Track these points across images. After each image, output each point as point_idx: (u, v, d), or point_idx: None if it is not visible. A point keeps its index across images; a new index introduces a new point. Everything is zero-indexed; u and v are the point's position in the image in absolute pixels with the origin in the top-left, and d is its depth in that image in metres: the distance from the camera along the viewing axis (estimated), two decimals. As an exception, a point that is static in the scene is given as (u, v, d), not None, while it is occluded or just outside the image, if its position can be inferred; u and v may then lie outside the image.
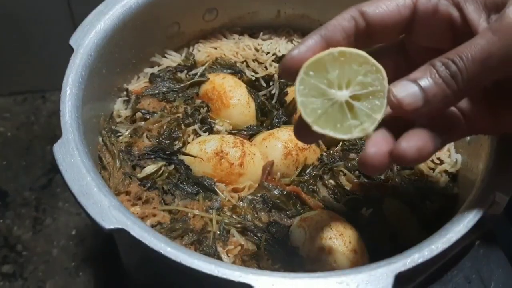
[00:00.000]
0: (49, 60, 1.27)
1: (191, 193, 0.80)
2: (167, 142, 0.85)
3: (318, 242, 0.73)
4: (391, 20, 0.59)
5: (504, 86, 0.58)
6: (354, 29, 0.59)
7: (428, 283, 0.62)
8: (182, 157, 0.83)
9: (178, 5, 0.94)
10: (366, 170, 0.56)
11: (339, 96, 0.56)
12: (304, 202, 0.81)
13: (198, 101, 0.92)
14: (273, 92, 0.96)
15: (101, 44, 0.82)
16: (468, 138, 0.83)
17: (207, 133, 0.88)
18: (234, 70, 0.97)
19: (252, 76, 0.97)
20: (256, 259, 0.73)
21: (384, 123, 0.56)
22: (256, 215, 0.78)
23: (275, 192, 0.80)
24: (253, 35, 1.04)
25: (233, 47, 1.00)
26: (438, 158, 0.86)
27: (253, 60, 0.99)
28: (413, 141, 0.54)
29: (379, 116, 0.55)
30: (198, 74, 0.95)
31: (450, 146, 0.88)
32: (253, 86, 0.96)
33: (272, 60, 0.99)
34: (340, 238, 0.73)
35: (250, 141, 0.88)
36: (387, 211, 0.80)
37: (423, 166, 0.85)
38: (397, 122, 0.57)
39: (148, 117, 0.87)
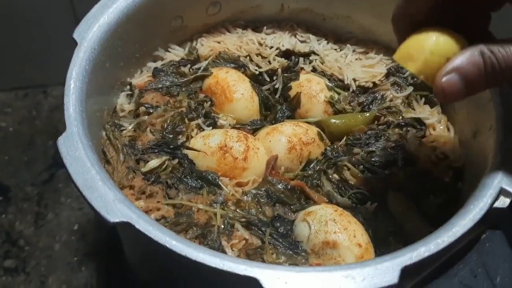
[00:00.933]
0: (50, 55, 1.27)
1: (195, 187, 0.79)
2: (171, 136, 0.84)
3: (323, 236, 0.73)
4: None
5: None
6: None
7: (434, 277, 0.62)
8: (185, 151, 0.83)
9: (181, -2, 0.94)
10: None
11: None
12: (308, 196, 0.81)
13: (201, 96, 0.91)
14: (276, 86, 0.96)
15: (104, 37, 0.81)
16: (473, 132, 0.83)
17: (211, 127, 0.88)
18: (237, 64, 0.96)
19: (256, 70, 0.96)
20: (260, 253, 0.73)
21: None
22: (260, 209, 0.78)
23: (279, 186, 0.80)
24: (257, 29, 1.04)
25: (236, 41, 1.00)
26: (443, 153, 0.86)
27: (257, 55, 0.98)
28: None
29: None
30: (202, 68, 0.95)
31: (455, 140, 0.88)
32: (256, 80, 0.96)
33: (276, 55, 0.98)
34: (344, 232, 0.73)
35: (254, 136, 0.88)
36: (392, 206, 0.80)
37: (427, 161, 0.85)
38: None
39: (151, 111, 0.87)
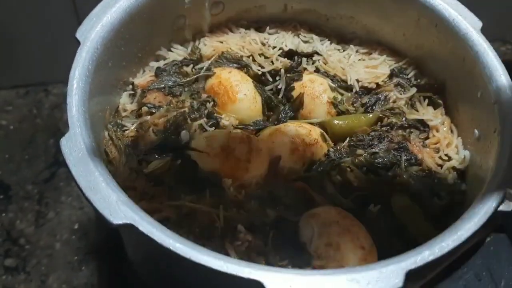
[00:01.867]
0: (51, 53, 1.27)
1: (197, 189, 0.79)
2: (173, 136, 0.84)
3: (326, 239, 0.73)
4: None
5: None
6: None
7: (438, 281, 0.62)
8: (188, 152, 0.83)
9: (184, -2, 0.94)
10: None
11: None
12: (311, 198, 0.80)
13: (204, 96, 0.91)
14: (279, 87, 0.95)
15: (107, 37, 0.81)
16: (477, 134, 0.82)
17: (213, 128, 0.88)
18: (240, 64, 0.96)
19: (259, 70, 0.96)
20: (263, 255, 0.73)
21: None
22: (263, 211, 0.78)
23: (282, 187, 0.80)
24: (260, 29, 1.03)
25: (239, 41, 0.99)
26: (446, 155, 0.86)
27: (260, 55, 0.98)
28: None
29: None
30: (204, 68, 0.94)
31: (458, 142, 0.87)
32: (259, 80, 0.95)
33: (279, 55, 0.98)
34: (348, 234, 0.73)
35: (257, 136, 0.88)
36: (395, 208, 0.79)
37: (431, 163, 0.84)
38: None
39: (154, 111, 0.87)
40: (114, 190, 0.64)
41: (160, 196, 0.77)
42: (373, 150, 0.85)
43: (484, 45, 0.84)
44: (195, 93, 0.91)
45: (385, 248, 0.75)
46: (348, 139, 0.88)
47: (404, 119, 0.90)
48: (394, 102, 0.93)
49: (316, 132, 0.88)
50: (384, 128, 0.89)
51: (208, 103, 0.90)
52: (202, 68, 0.94)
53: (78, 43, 0.79)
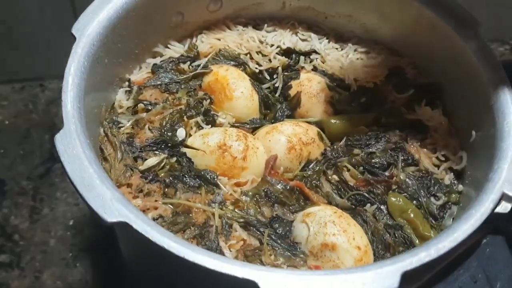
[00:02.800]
0: (48, 48, 1.26)
1: (193, 187, 0.79)
2: (169, 134, 0.84)
3: (322, 238, 0.73)
4: None
5: None
6: None
7: (434, 282, 0.62)
8: (184, 149, 0.82)
9: (182, -6, 0.93)
10: None
11: None
12: (307, 197, 0.80)
13: (201, 93, 0.90)
14: (276, 85, 0.95)
15: (103, 33, 0.80)
16: (474, 135, 0.82)
17: (210, 125, 0.87)
18: (237, 62, 0.95)
19: (256, 68, 0.95)
20: (258, 254, 0.73)
21: None
22: (259, 209, 0.78)
23: (278, 186, 0.80)
24: (257, 26, 1.03)
25: (237, 39, 0.99)
26: (444, 155, 0.86)
27: (257, 52, 0.97)
28: None
29: None
30: (201, 65, 0.94)
31: (455, 143, 0.87)
32: (256, 78, 0.95)
33: (276, 53, 0.97)
34: (343, 234, 0.73)
35: (253, 135, 0.87)
36: (392, 208, 0.79)
37: (428, 163, 0.84)
38: None
39: (150, 108, 0.86)
40: (108, 187, 0.63)
41: (155, 194, 0.77)
42: (370, 150, 0.85)
43: (483, 47, 0.83)
44: (191, 91, 0.91)
45: (381, 249, 0.75)
46: (345, 138, 0.87)
47: (401, 119, 0.89)
48: (392, 102, 0.92)
49: (313, 131, 0.87)
50: (381, 128, 0.88)
51: (204, 100, 0.89)
52: (199, 66, 0.94)
53: (74, 39, 0.78)
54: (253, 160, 0.81)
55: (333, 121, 0.89)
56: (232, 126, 0.88)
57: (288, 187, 0.80)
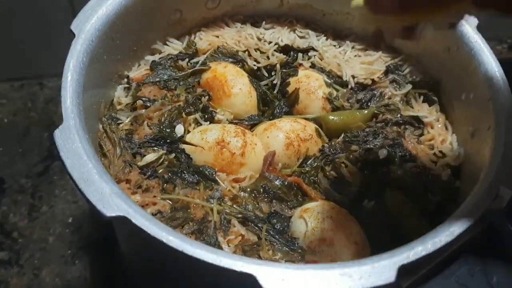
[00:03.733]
0: (47, 46, 1.26)
1: (191, 182, 0.79)
2: (168, 130, 0.84)
3: (319, 233, 0.73)
4: None
5: None
6: None
7: (431, 276, 0.62)
8: (183, 146, 0.82)
9: (180, -9, 0.94)
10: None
11: None
12: (305, 193, 0.81)
13: (199, 90, 0.91)
14: (275, 82, 0.95)
15: (102, 30, 0.81)
16: (471, 131, 0.82)
17: (208, 122, 0.88)
18: (235, 59, 0.96)
19: (254, 65, 0.96)
20: (256, 250, 0.73)
21: None
22: (257, 205, 0.78)
23: (276, 182, 0.80)
24: (256, 24, 1.03)
25: (235, 36, 0.99)
26: (440, 151, 0.86)
27: (255, 50, 0.98)
28: None
29: None
30: (200, 62, 0.94)
31: (453, 139, 0.87)
32: (254, 75, 0.95)
33: (275, 50, 0.98)
34: (341, 229, 0.73)
35: (252, 131, 0.88)
36: (389, 203, 0.79)
37: (425, 159, 0.84)
38: None
39: (149, 105, 0.86)
40: (107, 182, 0.63)
41: (154, 189, 0.77)
42: (368, 146, 0.85)
43: (480, 43, 0.84)
44: (190, 87, 0.91)
45: (378, 244, 0.75)
46: (343, 134, 0.88)
47: (399, 115, 0.90)
48: (389, 98, 0.93)
49: (311, 127, 0.88)
50: (379, 124, 0.89)
51: (203, 97, 0.89)
52: (197, 62, 0.94)
53: (73, 35, 0.78)
54: (251, 156, 0.82)
55: (331, 117, 0.90)
56: (231, 122, 0.88)
57: (286, 183, 0.80)
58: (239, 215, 0.76)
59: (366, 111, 0.90)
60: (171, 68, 0.93)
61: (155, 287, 0.87)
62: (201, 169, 0.80)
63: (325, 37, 1.02)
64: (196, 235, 0.73)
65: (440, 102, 0.93)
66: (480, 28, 0.86)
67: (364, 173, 0.82)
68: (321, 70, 0.96)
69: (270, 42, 0.99)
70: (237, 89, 0.90)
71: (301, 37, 1.02)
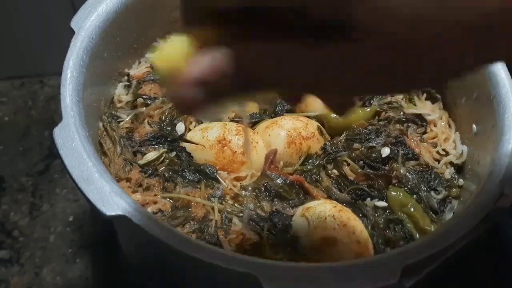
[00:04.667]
0: (47, 44, 1.26)
1: (192, 181, 0.78)
2: (169, 128, 0.83)
3: (321, 233, 0.72)
4: None
5: None
6: None
7: (435, 277, 0.61)
8: (183, 144, 0.82)
9: (181, -12, 0.92)
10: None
11: None
12: (307, 191, 0.80)
13: (200, 88, 0.90)
14: (276, 79, 0.94)
15: (103, 27, 0.80)
16: (475, 129, 0.82)
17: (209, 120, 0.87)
18: (237, 56, 0.95)
19: (256, 63, 0.95)
20: (258, 249, 0.72)
21: None
22: (258, 204, 0.77)
23: (278, 181, 0.79)
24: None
25: (236, 33, 0.98)
26: (444, 150, 0.85)
27: (257, 47, 0.97)
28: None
29: None
30: (201, 60, 0.93)
31: (456, 137, 0.87)
32: (256, 73, 0.94)
33: (276, 47, 0.97)
34: (343, 228, 0.73)
35: (253, 129, 0.87)
36: (392, 202, 0.79)
37: (428, 157, 0.84)
38: None
39: (149, 102, 0.86)
40: (107, 181, 0.63)
41: (155, 188, 0.76)
42: (370, 144, 0.85)
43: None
44: (191, 85, 0.90)
45: (381, 243, 0.75)
46: (345, 133, 0.87)
47: (401, 113, 0.89)
48: (392, 96, 0.92)
49: (313, 125, 0.87)
50: (381, 122, 0.88)
51: (204, 95, 0.89)
52: (198, 60, 0.93)
53: (72, 32, 0.78)
54: (253, 155, 0.81)
55: (333, 115, 0.89)
56: (232, 120, 0.88)
57: (288, 182, 0.79)
58: (241, 214, 0.75)
59: (368, 109, 0.90)
60: (172, 65, 0.92)
61: (156, 286, 0.87)
62: (202, 167, 0.79)
63: (327, 34, 1.01)
64: (197, 234, 0.73)
65: (443, 100, 0.92)
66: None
67: (366, 172, 0.82)
68: (324, 68, 0.95)
69: (271, 40, 0.98)
70: (238, 86, 0.89)
71: (303, 34, 1.01)
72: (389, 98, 0.91)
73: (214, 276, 0.63)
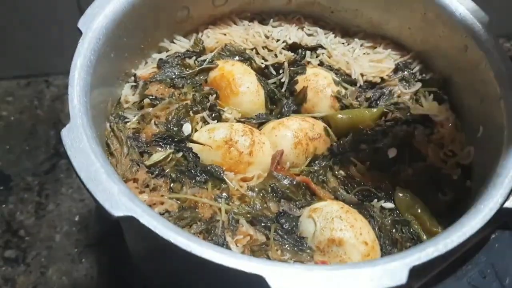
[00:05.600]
0: (53, 44, 1.26)
1: (199, 182, 0.78)
2: (175, 129, 0.83)
3: (328, 233, 0.72)
4: None
5: None
6: None
7: (443, 278, 0.61)
8: (190, 144, 0.82)
9: (187, -11, 0.93)
10: None
11: None
12: (314, 192, 0.80)
13: (206, 88, 0.90)
14: (282, 80, 0.94)
15: (110, 27, 0.80)
16: (482, 130, 0.81)
17: (216, 120, 0.87)
18: (243, 57, 0.95)
19: (262, 63, 0.95)
20: (265, 250, 0.72)
21: None
22: (265, 205, 0.77)
23: (285, 182, 0.79)
24: (263, 21, 1.02)
25: (242, 34, 0.98)
26: (451, 150, 0.85)
27: (263, 47, 0.97)
28: None
29: None
30: (207, 60, 0.93)
31: (463, 138, 0.87)
32: (262, 73, 0.95)
33: (282, 48, 0.97)
34: (350, 229, 0.72)
35: (259, 130, 0.87)
36: (399, 203, 0.79)
37: (435, 158, 0.83)
38: None
39: (156, 103, 0.86)
40: (115, 182, 0.63)
41: (162, 189, 0.76)
42: (377, 145, 0.84)
43: (491, 40, 0.83)
44: (197, 86, 0.90)
45: (388, 244, 0.75)
46: (351, 133, 0.87)
47: (408, 114, 0.89)
48: (398, 96, 0.92)
49: (319, 126, 0.87)
50: (388, 123, 0.88)
51: (210, 95, 0.89)
52: (204, 61, 0.94)
53: (80, 33, 0.78)
54: (259, 155, 0.81)
55: (339, 116, 0.89)
56: (238, 121, 0.88)
57: (295, 182, 0.79)
58: (248, 215, 0.75)
59: (375, 110, 0.89)
60: (178, 66, 0.92)
61: (161, 285, 0.87)
62: (208, 168, 0.79)
63: (334, 35, 1.01)
64: (204, 235, 0.72)
65: (450, 101, 0.91)
66: (489, 25, 0.85)
67: (373, 173, 0.82)
68: (330, 68, 0.96)
69: (278, 40, 0.98)
70: (245, 87, 0.89)
71: (309, 35, 1.01)
72: (395, 99, 0.91)
73: (221, 277, 0.63)
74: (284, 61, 0.95)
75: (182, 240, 0.59)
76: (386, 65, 0.95)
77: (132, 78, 0.91)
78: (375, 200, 0.79)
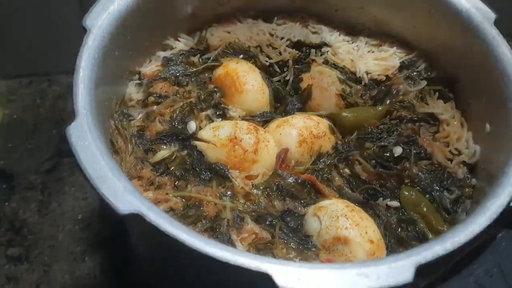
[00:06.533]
0: (55, 43, 1.26)
1: (204, 180, 0.78)
2: (180, 127, 0.83)
3: (334, 232, 0.72)
4: None
5: None
6: None
7: (449, 276, 0.61)
8: (195, 142, 0.82)
9: (192, -13, 0.92)
10: None
11: None
12: (319, 190, 0.80)
13: (211, 86, 0.90)
14: (287, 78, 0.94)
15: (114, 25, 0.80)
16: (488, 129, 0.81)
17: (220, 119, 0.87)
18: (247, 55, 0.95)
19: (266, 61, 0.95)
20: (270, 248, 0.72)
21: None
22: (270, 203, 0.77)
23: (290, 180, 0.79)
24: (268, 19, 1.02)
25: (247, 32, 0.98)
26: (456, 149, 0.85)
27: (267, 45, 0.97)
28: None
29: None
30: (211, 58, 0.93)
31: (469, 137, 0.86)
32: (267, 71, 0.94)
33: (287, 46, 0.97)
34: (356, 228, 0.72)
35: (264, 128, 0.87)
36: (404, 201, 0.78)
37: (441, 157, 0.83)
38: None
39: (160, 101, 0.86)
40: (120, 179, 0.63)
41: (166, 186, 0.76)
42: (382, 143, 0.84)
43: (497, 38, 0.82)
44: (202, 84, 0.90)
45: (393, 243, 0.75)
46: (356, 132, 0.87)
47: (414, 112, 0.89)
48: (403, 95, 0.91)
49: (324, 124, 0.87)
50: (393, 121, 0.88)
51: (215, 93, 0.89)
52: (209, 59, 0.93)
53: (85, 31, 0.77)
54: (264, 153, 0.81)
55: (344, 114, 0.88)
56: (243, 119, 0.87)
57: (300, 181, 0.79)
58: (253, 213, 0.75)
59: (380, 108, 0.89)
60: (182, 64, 0.92)
61: (165, 284, 0.87)
62: (213, 166, 0.79)
63: (338, 33, 1.01)
64: (209, 233, 0.72)
65: (456, 99, 0.91)
66: (495, 23, 0.84)
67: (378, 171, 0.81)
68: (334, 66, 0.95)
69: (282, 38, 0.98)
70: (249, 85, 0.89)
71: (313, 33, 1.00)
72: (401, 97, 0.91)
73: (226, 275, 0.63)
74: (288, 59, 0.95)
75: (189, 238, 0.58)
76: (391, 63, 0.95)
77: (137, 76, 0.91)
78: (381, 198, 0.79)
